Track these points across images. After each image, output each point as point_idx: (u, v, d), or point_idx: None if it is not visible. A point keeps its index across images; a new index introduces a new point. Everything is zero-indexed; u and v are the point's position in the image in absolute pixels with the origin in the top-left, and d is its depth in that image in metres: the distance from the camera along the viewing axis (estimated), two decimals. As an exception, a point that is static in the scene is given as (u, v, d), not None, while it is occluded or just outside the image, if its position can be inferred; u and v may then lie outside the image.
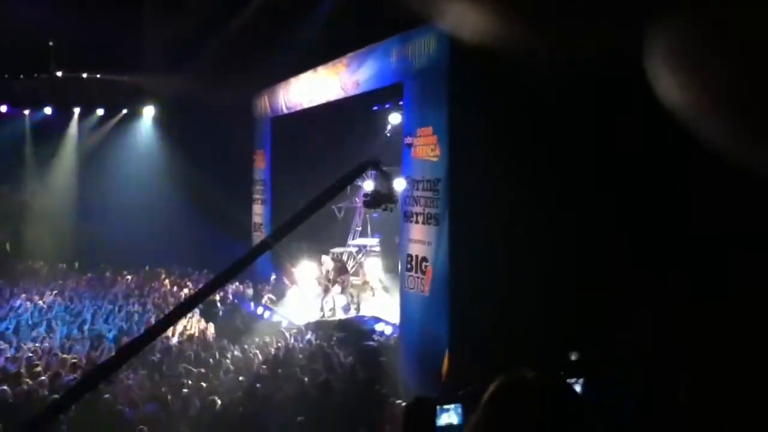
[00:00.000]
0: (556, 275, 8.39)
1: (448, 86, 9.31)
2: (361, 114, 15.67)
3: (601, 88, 8.06)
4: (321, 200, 7.91)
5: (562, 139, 8.59)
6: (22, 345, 11.67)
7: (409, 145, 10.28)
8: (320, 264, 15.11)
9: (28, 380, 9.44)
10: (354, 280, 14.87)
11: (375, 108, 15.92)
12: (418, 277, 9.82)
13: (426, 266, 9.66)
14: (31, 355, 11.09)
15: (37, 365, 10.30)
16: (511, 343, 7.22)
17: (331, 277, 14.34)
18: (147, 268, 18.35)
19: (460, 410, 1.86)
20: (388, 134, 15.45)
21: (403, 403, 7.65)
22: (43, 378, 9.59)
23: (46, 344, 11.78)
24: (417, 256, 9.90)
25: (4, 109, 19.95)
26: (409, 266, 10.07)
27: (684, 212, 7.64)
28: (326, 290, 14.19)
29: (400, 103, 12.07)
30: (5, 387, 9.12)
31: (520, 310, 8.15)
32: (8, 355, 11.07)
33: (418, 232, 9.98)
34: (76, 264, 19.23)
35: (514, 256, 8.54)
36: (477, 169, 8.93)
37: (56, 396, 8.53)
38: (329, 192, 8.09)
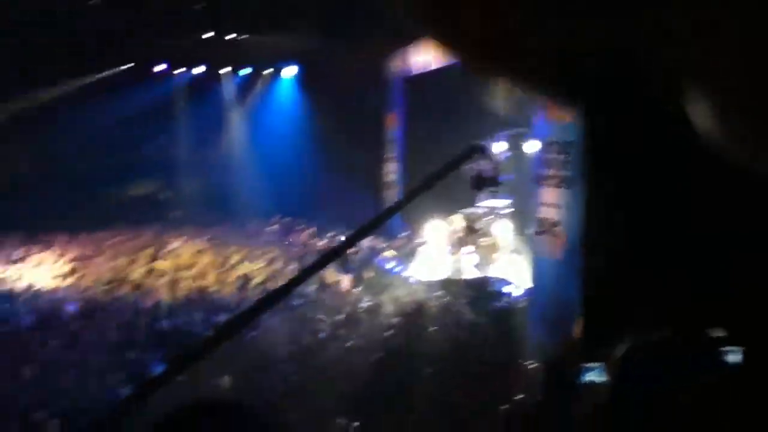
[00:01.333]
0: (697, 240, 8.06)
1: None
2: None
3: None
4: (425, 186, 8.54)
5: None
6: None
7: (542, 106, 10.10)
8: (451, 223, 15.31)
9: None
10: (484, 241, 14.96)
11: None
12: (549, 241, 9.77)
13: (558, 230, 9.58)
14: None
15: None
16: (647, 309, 7.09)
17: (461, 236, 14.52)
18: (286, 220, 19.55)
19: (602, 371, 1.96)
20: (524, 93, 15.15)
21: (533, 365, 7.80)
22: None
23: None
24: (549, 219, 9.82)
25: (160, 68, 21.72)
26: (540, 229, 10.03)
27: None
28: (456, 250, 14.41)
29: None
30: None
31: (657, 275, 7.93)
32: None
33: (550, 194, 9.87)
34: (218, 214, 20.89)
35: (652, 221, 8.28)
36: (615, 130, 8.65)
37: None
38: (434, 177, 8.52)
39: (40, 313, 11.26)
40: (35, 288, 12.97)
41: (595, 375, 1.98)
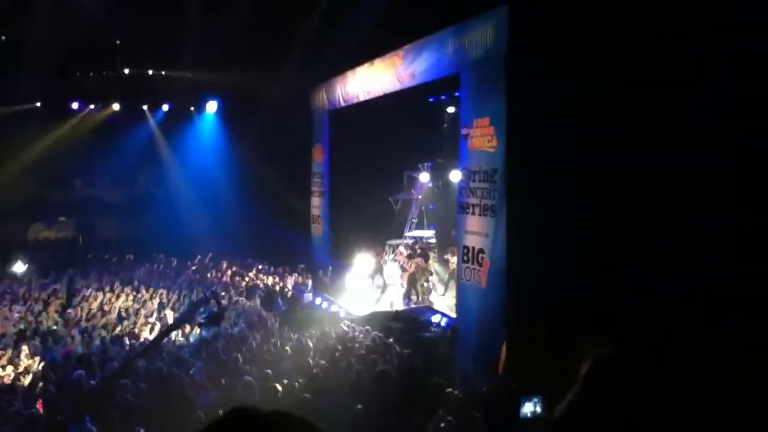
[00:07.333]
0: (615, 264, 8.19)
1: (505, 76, 9.19)
2: (418, 106, 15.64)
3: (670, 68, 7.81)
4: (171, 329, 10.23)
5: (624, 126, 8.34)
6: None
7: (466, 136, 10.21)
8: (378, 255, 15.20)
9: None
10: (412, 270, 14.89)
11: (431, 100, 15.86)
12: (474, 269, 9.77)
13: (483, 258, 9.60)
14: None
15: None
16: (570, 333, 7.10)
17: (388, 267, 14.39)
18: (209, 259, 18.92)
19: (540, 401, 1.86)
20: (446, 125, 15.37)
21: (458, 393, 7.66)
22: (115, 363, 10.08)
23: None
24: (473, 248, 9.85)
25: (75, 105, 20.88)
26: (465, 258, 10.03)
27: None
28: (384, 281, 14.26)
29: (456, 94, 11.98)
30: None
31: (579, 300, 8.00)
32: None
33: (474, 223, 9.92)
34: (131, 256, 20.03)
35: (571, 246, 8.39)
36: (534, 159, 8.79)
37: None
38: (178, 322, 10.55)
39: None
40: None
41: (533, 405, 1.84)
